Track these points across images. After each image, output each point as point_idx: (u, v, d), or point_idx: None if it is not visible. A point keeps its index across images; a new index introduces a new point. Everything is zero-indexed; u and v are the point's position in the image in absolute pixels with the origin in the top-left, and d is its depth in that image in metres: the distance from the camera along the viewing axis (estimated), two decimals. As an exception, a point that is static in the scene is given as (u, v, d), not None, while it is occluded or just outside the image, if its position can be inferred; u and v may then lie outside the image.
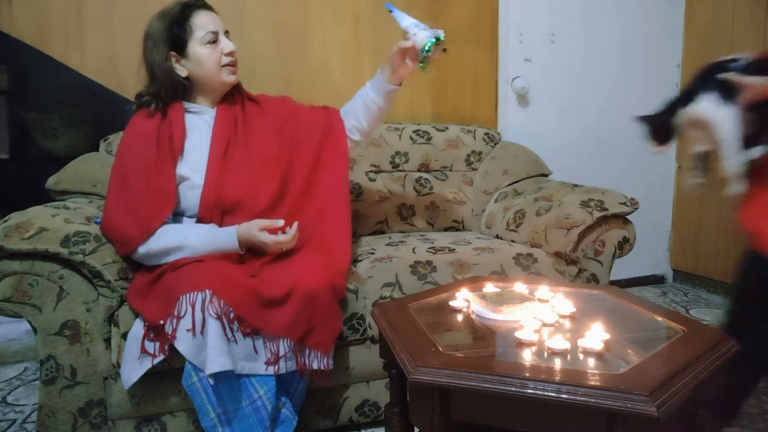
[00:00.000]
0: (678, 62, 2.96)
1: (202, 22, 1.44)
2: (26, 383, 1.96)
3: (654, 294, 2.91)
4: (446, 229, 2.19)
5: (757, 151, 1.28)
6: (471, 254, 1.68)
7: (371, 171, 2.14)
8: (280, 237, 1.39)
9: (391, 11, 1.46)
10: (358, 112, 1.62)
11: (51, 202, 1.55)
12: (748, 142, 1.29)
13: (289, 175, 1.56)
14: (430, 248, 1.73)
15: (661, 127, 1.32)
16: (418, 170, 2.23)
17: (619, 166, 2.82)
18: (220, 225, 1.45)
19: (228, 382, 1.23)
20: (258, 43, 2.32)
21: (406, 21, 1.43)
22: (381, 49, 2.48)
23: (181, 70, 1.45)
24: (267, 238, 1.38)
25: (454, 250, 1.71)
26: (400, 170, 2.20)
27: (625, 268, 2.87)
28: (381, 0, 2.44)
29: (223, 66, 1.47)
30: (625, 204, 1.75)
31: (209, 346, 1.18)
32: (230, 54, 1.47)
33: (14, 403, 1.80)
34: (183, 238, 1.36)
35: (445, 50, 1.41)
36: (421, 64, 1.41)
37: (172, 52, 1.44)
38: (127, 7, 2.17)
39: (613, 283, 2.36)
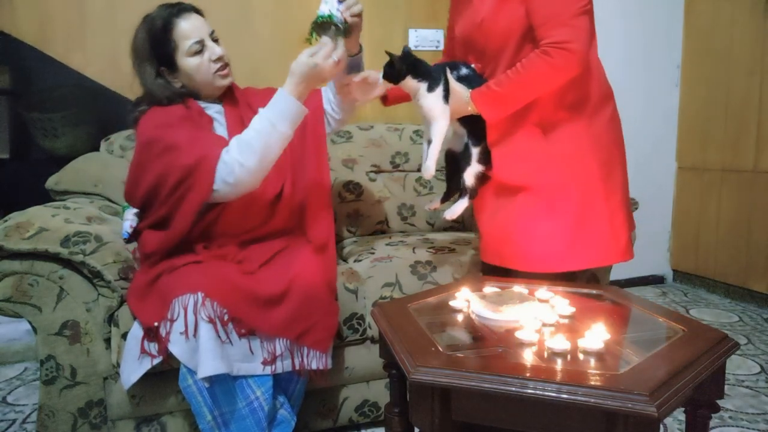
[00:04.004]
0: (678, 62, 2.96)
1: (184, 33, 1.39)
2: (26, 383, 1.96)
3: (654, 294, 2.91)
4: (446, 229, 2.19)
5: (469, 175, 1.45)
6: (471, 254, 1.67)
7: (371, 171, 2.14)
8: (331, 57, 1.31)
9: None
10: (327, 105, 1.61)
11: (51, 202, 1.55)
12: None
13: (293, 160, 1.54)
14: (430, 248, 1.73)
15: (395, 73, 1.36)
16: (419, 170, 2.22)
17: (619, 167, 2.83)
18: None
19: (223, 384, 1.23)
20: (260, 43, 2.32)
21: None
22: (381, 48, 2.48)
23: (176, 82, 1.45)
24: (319, 58, 1.28)
25: (454, 250, 1.71)
26: (401, 170, 2.20)
27: (625, 268, 2.85)
28: (381, 1, 2.46)
29: (215, 72, 1.45)
30: (625, 204, 1.74)
31: (201, 349, 1.17)
32: (219, 59, 1.44)
33: (14, 403, 1.80)
34: (248, 129, 1.30)
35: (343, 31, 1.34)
36: (311, 35, 1.33)
37: (163, 68, 1.42)
38: (129, 7, 2.17)
39: (613, 283, 2.36)
